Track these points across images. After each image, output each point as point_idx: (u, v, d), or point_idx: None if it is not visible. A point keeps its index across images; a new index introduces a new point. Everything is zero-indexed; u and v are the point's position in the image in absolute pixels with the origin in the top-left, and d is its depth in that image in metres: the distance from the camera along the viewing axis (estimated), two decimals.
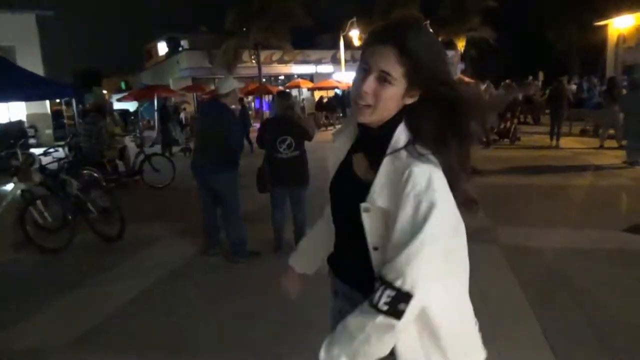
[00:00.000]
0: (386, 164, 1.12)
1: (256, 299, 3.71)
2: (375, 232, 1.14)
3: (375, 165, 1.14)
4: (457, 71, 28.26)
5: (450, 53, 26.38)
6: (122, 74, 43.79)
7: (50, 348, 3.18)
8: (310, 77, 29.40)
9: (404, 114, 1.16)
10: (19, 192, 5.66)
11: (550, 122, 11.65)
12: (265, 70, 26.68)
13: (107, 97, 40.83)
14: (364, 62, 1.14)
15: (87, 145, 7.94)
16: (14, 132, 12.96)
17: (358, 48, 20.94)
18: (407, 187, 1.06)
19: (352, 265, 1.28)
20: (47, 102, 19.28)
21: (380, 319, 1.05)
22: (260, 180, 4.75)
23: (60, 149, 7.78)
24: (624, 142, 9.34)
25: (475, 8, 29.35)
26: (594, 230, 5.01)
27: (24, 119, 17.11)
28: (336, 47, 25.46)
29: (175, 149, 13.43)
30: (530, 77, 20.95)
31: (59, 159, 7.27)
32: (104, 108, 8.69)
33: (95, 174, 7.50)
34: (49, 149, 6.65)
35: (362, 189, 1.15)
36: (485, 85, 14.13)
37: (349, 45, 24.28)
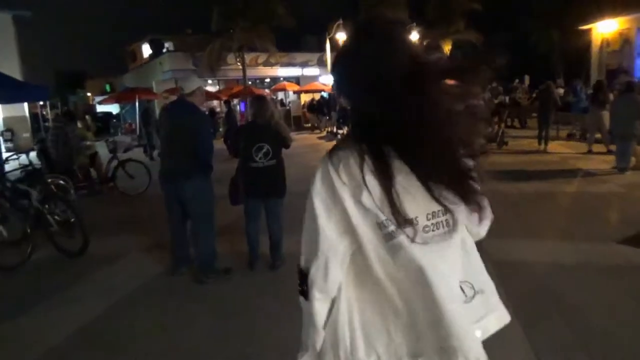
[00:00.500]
0: None
1: (222, 324, 3.37)
2: None
3: None
4: None
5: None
6: (107, 75, 43.01)
7: None
8: (297, 80, 29.09)
9: None
10: None
11: (538, 125, 11.48)
12: (251, 72, 26.28)
13: (90, 99, 40.16)
14: None
15: (54, 151, 7.53)
16: None
17: None
18: None
19: None
20: (25, 104, 18.62)
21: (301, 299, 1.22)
22: (233, 192, 4.42)
23: (24, 155, 7.33)
24: (612, 147, 9.18)
25: (460, 10, 29.35)
26: (585, 243, 4.76)
27: None
28: (322, 49, 25.19)
29: (155, 153, 13.02)
30: (517, 81, 20.89)
31: (25, 166, 6.87)
32: (74, 112, 8.27)
33: (64, 182, 7.12)
34: (11, 155, 6.25)
35: None
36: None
37: (335, 47, 24.01)
